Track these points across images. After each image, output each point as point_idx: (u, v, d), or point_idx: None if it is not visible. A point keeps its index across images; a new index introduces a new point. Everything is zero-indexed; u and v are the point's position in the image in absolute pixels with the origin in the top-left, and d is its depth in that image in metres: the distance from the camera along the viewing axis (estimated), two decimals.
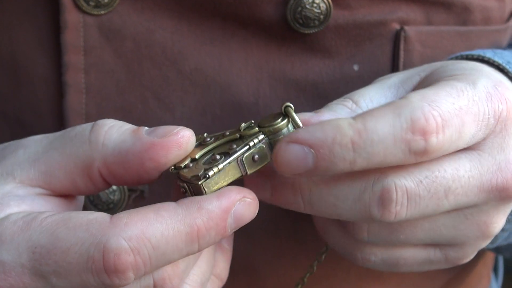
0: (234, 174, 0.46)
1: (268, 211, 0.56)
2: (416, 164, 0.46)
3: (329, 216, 0.47)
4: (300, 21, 0.57)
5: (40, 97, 0.59)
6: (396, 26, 0.59)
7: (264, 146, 0.47)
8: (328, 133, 0.44)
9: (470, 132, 0.46)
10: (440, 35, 0.60)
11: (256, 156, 0.46)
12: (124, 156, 0.45)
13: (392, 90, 0.51)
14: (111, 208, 0.59)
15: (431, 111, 0.44)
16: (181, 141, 0.45)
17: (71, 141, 0.46)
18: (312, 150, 0.44)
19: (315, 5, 0.56)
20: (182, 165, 0.46)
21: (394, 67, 0.60)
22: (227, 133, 0.49)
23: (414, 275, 0.66)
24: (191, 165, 0.46)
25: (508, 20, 0.65)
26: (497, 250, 0.68)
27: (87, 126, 0.47)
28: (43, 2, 0.57)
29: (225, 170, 0.45)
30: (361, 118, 0.44)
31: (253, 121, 0.48)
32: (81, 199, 0.51)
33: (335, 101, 0.50)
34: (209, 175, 0.45)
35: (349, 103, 0.49)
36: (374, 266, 0.51)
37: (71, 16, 0.56)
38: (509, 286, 1.04)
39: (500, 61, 0.54)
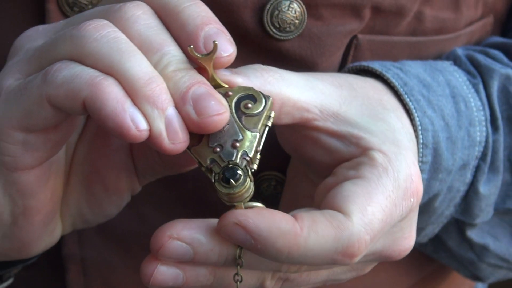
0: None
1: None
2: None
3: None
4: (277, 25, 0.59)
5: None
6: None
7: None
8: (272, 236, 0.45)
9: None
10: (391, 45, 0.62)
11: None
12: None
13: (313, 79, 0.52)
14: None
15: (364, 237, 0.47)
16: None
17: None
18: (252, 240, 0.46)
19: (291, 8, 0.59)
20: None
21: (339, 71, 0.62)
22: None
23: (391, 267, 0.68)
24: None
25: (462, 29, 0.65)
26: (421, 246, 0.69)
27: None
28: (30, 8, 0.59)
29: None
30: (306, 229, 0.46)
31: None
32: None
33: (254, 67, 0.51)
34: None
35: (271, 73, 0.50)
36: None
37: (56, 21, 0.59)
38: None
39: (396, 83, 0.56)
